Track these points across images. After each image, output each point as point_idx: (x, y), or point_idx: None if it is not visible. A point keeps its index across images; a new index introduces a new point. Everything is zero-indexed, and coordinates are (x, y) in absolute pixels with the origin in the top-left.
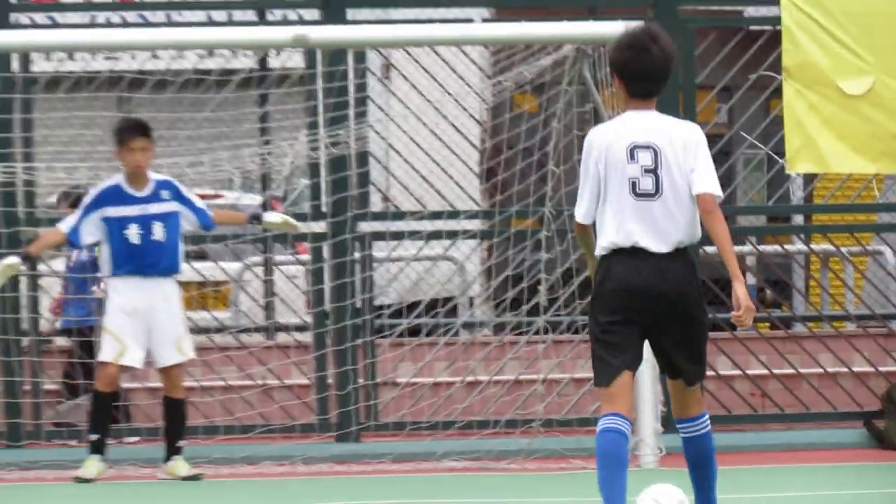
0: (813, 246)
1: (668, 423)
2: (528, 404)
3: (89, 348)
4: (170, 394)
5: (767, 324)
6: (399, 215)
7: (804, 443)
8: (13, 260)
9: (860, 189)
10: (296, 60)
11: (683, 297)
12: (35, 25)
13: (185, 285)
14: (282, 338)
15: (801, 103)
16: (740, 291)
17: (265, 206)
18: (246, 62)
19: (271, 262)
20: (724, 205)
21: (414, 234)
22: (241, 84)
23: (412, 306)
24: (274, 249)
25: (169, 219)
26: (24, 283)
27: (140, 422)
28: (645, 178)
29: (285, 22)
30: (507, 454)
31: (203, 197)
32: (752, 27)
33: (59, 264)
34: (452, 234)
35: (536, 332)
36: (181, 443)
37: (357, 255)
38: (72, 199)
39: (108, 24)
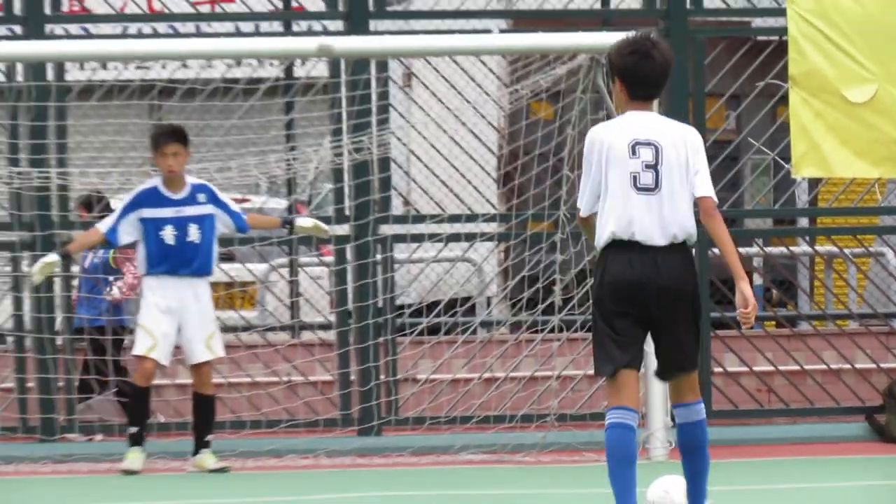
0: (817, 248)
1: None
2: (543, 400)
3: (101, 348)
4: (199, 390)
5: (773, 322)
6: (419, 218)
7: (808, 436)
8: (52, 257)
9: (863, 193)
10: (320, 70)
11: (679, 289)
12: (69, 36)
13: (213, 286)
14: (306, 336)
15: (807, 110)
16: (746, 290)
17: (291, 210)
18: (272, 71)
19: (296, 264)
20: (732, 208)
21: (434, 237)
22: (267, 92)
23: (432, 306)
24: (299, 251)
25: (204, 221)
26: (57, 285)
27: (170, 417)
28: (645, 174)
29: (310, 33)
30: (523, 447)
31: (231, 200)
32: (760, 38)
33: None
34: (471, 237)
35: (551, 331)
36: (209, 437)
37: (379, 256)
38: (91, 203)
39: (140, 35)
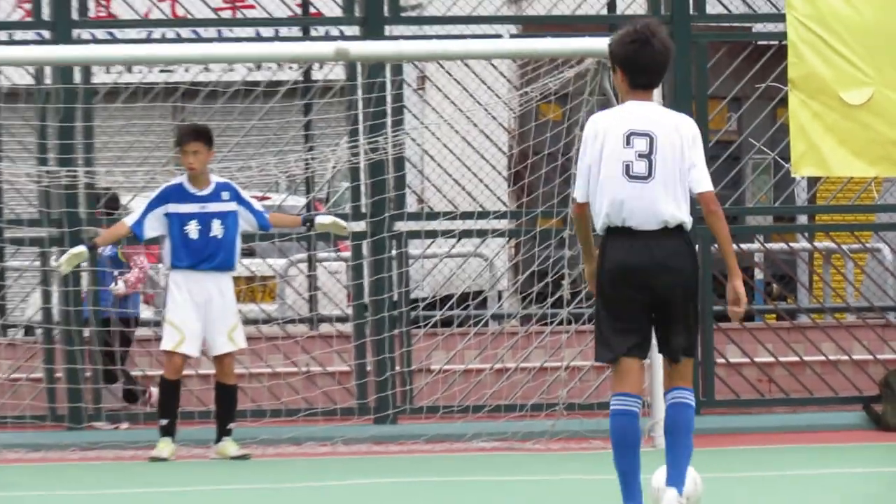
0: (816, 243)
1: None
2: (552, 389)
3: (108, 337)
4: (222, 380)
5: (774, 315)
6: (433, 215)
7: (807, 425)
8: (79, 249)
9: (860, 191)
10: (337, 73)
11: (672, 269)
12: (96, 40)
13: (235, 280)
14: (324, 328)
15: (806, 112)
16: (739, 287)
17: (309, 207)
18: (291, 74)
19: (315, 259)
20: (734, 205)
21: (447, 233)
22: (286, 95)
23: (445, 299)
24: (317, 247)
25: (227, 217)
26: (85, 279)
27: (194, 406)
28: (638, 162)
29: (328, 37)
30: (533, 435)
31: (252, 199)
32: (760, 42)
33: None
34: (482, 233)
35: (560, 323)
36: (231, 425)
37: (394, 252)
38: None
39: (164, 40)
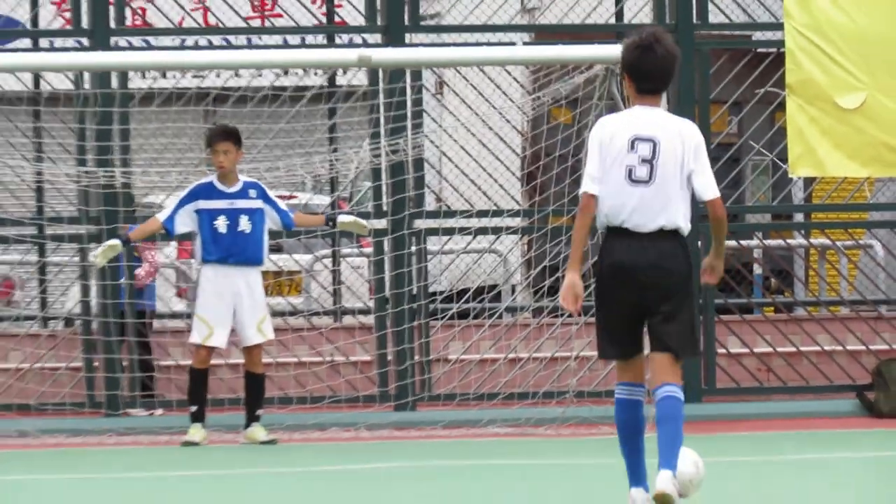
0: (812, 240)
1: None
2: (563, 378)
3: (123, 327)
4: (250, 369)
5: (772, 308)
6: (450, 213)
7: (804, 412)
8: (114, 241)
9: (853, 191)
10: (360, 78)
11: (665, 269)
12: (132, 47)
13: (263, 274)
14: (348, 320)
15: (803, 116)
16: (718, 265)
17: (333, 206)
18: (317, 80)
19: (339, 255)
20: (734, 204)
21: (463, 230)
22: (312, 99)
23: (461, 293)
24: (341, 243)
25: (255, 214)
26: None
27: (224, 394)
28: (641, 167)
29: (351, 45)
30: (545, 422)
31: (279, 198)
32: (760, 49)
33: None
34: (497, 230)
35: (570, 315)
36: (259, 412)
37: (413, 248)
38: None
39: (196, 47)
